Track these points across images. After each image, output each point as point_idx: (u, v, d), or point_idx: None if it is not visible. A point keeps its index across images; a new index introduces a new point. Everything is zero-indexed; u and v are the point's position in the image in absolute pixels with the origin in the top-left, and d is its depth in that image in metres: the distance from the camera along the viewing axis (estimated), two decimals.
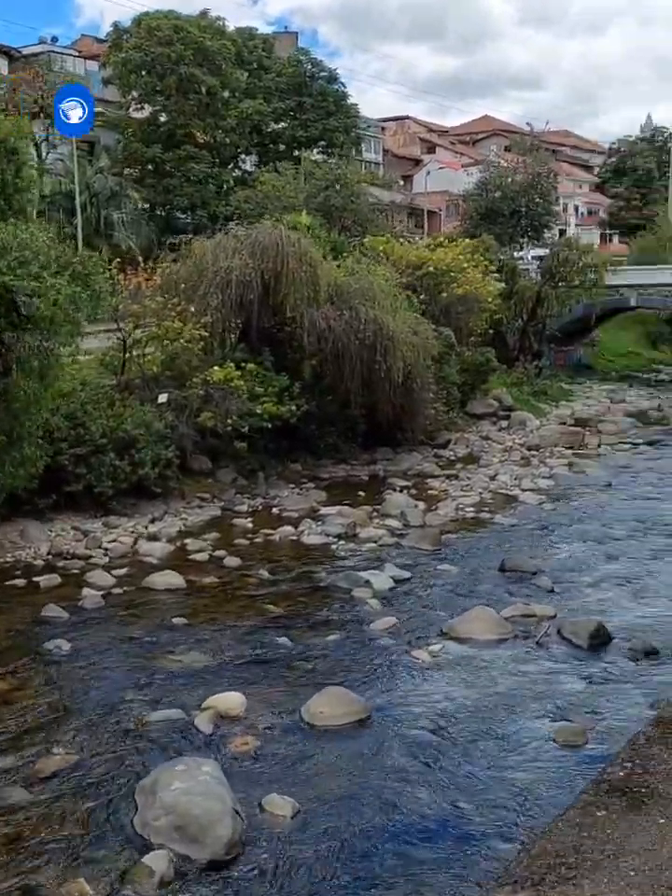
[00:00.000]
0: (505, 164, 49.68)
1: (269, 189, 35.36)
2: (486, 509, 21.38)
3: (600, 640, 12.92)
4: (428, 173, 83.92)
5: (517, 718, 10.82)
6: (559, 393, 41.47)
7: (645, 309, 54.54)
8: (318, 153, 51.33)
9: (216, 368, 21.31)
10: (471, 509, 21.31)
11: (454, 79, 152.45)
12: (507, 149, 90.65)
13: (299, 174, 36.70)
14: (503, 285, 44.31)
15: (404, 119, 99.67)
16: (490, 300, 32.86)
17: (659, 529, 19.16)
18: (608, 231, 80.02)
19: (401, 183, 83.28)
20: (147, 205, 45.88)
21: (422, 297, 31.62)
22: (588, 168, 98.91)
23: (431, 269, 31.28)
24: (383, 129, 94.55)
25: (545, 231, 46.76)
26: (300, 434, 24.99)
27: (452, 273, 31.99)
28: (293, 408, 23.11)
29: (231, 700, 10.90)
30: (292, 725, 10.51)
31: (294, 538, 18.73)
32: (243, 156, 52.78)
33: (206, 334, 21.56)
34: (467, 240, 35.65)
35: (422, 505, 21.49)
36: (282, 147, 50.33)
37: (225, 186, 47.67)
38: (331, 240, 32.11)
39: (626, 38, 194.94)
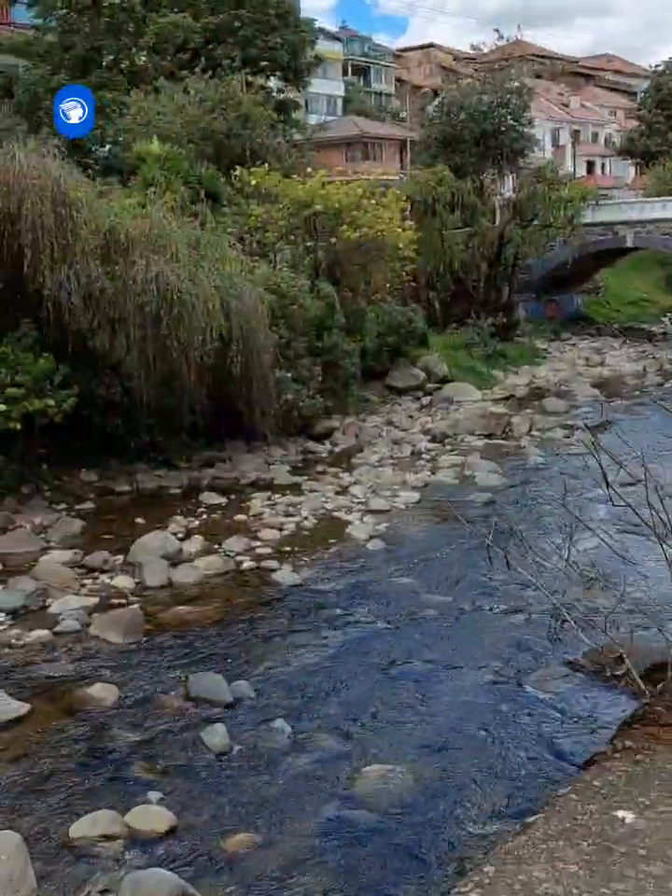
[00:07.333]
0: (468, 82, 41.83)
1: (136, 112, 28.59)
2: (287, 550, 14.90)
3: None
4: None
5: None
6: (524, 355, 34.24)
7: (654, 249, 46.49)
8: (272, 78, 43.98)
9: None
10: (266, 551, 14.82)
11: (523, 9, 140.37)
12: (537, 77, 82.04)
13: (182, 95, 29.84)
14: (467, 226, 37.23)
15: (428, 48, 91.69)
16: (402, 245, 25.81)
17: (496, 598, 12.48)
18: (630, 160, 70.90)
19: (404, 115, 75.91)
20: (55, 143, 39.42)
21: (308, 244, 24.99)
22: (632, 95, 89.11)
23: (319, 208, 24.41)
24: (396, 57, 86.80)
25: (520, 158, 38.97)
26: (98, 431, 18.84)
27: (354, 213, 25.08)
28: (50, 403, 16.87)
29: None
30: None
31: None
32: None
33: None
34: (379, 170, 28.50)
35: (199, 544, 15.10)
36: (222, 70, 43.02)
37: None
38: (199, 174, 25.41)
39: None
